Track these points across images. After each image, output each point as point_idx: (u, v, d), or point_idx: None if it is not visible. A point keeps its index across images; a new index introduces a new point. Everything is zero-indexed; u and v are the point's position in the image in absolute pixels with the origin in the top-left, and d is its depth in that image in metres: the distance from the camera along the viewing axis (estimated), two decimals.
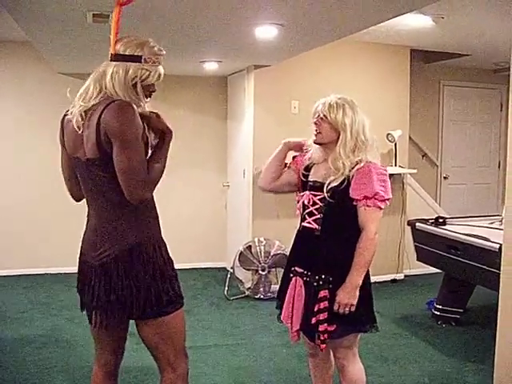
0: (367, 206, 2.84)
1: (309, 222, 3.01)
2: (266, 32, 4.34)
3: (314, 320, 2.88)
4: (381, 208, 2.86)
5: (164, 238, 2.54)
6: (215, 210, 7.52)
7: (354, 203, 2.87)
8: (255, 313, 5.76)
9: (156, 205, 2.55)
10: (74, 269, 2.63)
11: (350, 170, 2.88)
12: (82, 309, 2.64)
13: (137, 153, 2.28)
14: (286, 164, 3.45)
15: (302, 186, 3.16)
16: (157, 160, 2.47)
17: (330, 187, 2.91)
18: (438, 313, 5.30)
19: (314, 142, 3.06)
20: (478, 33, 5.76)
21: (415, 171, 6.92)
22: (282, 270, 5.98)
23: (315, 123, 3.02)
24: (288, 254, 3.31)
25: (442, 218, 5.26)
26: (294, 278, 3.04)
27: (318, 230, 2.96)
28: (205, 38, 4.75)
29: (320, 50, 5.58)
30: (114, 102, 2.29)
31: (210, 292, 6.47)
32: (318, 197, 2.96)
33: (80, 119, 2.34)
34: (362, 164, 2.89)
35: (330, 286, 2.88)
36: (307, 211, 3.02)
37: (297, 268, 3.04)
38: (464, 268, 4.58)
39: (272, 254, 6.19)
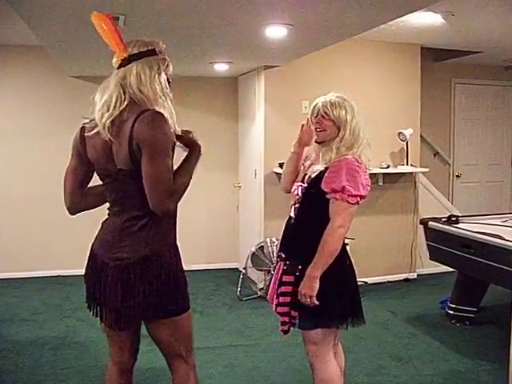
0: (335, 198, 2.84)
1: (291, 211, 3.10)
2: (275, 32, 4.34)
3: (275, 301, 3.07)
4: (350, 203, 2.84)
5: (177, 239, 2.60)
6: (227, 210, 7.52)
7: (326, 195, 2.89)
8: (268, 313, 5.74)
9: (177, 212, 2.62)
10: None
11: (330, 164, 2.92)
12: (90, 301, 2.63)
13: (166, 163, 2.31)
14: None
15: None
16: (182, 175, 2.48)
17: (309, 178, 3.01)
18: (452, 312, 5.27)
19: (317, 141, 3.08)
20: (489, 30, 5.73)
21: (427, 170, 6.89)
22: None
23: (317, 122, 3.03)
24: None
25: (454, 216, 5.24)
26: (279, 263, 3.17)
27: (293, 219, 3.06)
28: (215, 39, 4.76)
29: (330, 50, 5.57)
30: (146, 111, 2.31)
31: (222, 293, 6.47)
32: (302, 187, 3.05)
33: (109, 129, 2.33)
34: (340, 158, 2.91)
35: (297, 273, 2.95)
36: (294, 201, 3.11)
37: (281, 253, 3.16)
38: (477, 267, 4.55)
39: None
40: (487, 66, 8.23)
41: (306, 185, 3.01)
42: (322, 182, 2.89)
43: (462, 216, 5.48)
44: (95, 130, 2.39)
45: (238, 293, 6.29)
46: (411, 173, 6.78)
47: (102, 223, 2.63)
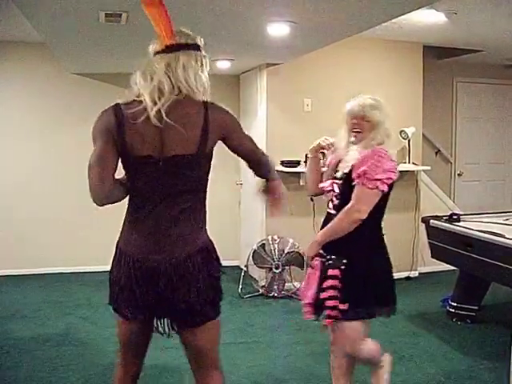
0: (357, 183, 2.97)
1: (329, 208, 3.21)
2: (278, 29, 4.35)
3: (322, 296, 3.09)
4: (369, 187, 2.94)
5: None
6: (228, 208, 7.52)
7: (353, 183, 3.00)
8: (269, 311, 5.76)
9: None
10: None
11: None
12: (139, 311, 2.43)
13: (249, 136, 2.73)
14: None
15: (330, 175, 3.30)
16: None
17: (341, 174, 3.12)
18: (453, 310, 5.27)
19: (354, 142, 3.13)
20: (491, 28, 5.72)
21: (429, 168, 6.89)
22: (297, 268, 6.03)
23: (355, 123, 3.10)
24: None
25: (456, 214, 5.23)
26: (315, 259, 3.24)
27: (334, 215, 3.12)
28: (217, 36, 4.76)
29: (332, 48, 5.57)
30: (211, 104, 2.49)
31: (223, 290, 6.45)
32: (336, 184, 3.15)
33: (164, 115, 2.26)
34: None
35: (342, 267, 3.04)
36: (329, 198, 3.22)
37: (320, 250, 3.21)
38: (479, 265, 4.55)
39: (286, 251, 6.18)
40: (489, 64, 8.22)
41: (340, 181, 3.11)
42: (353, 172, 3.01)
43: (463, 214, 5.48)
44: (141, 113, 2.27)
45: (240, 290, 6.29)
46: (413, 171, 6.78)
47: (130, 219, 2.45)
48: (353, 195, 2.98)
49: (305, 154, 6.12)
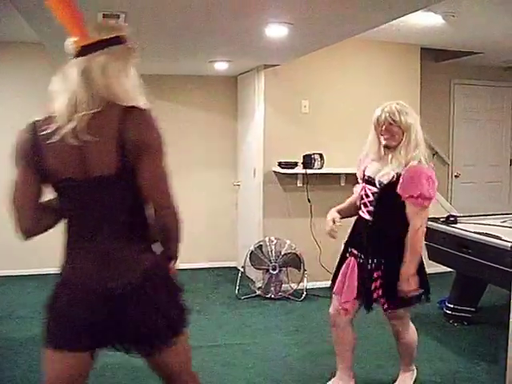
0: (413, 204, 3.20)
1: (363, 212, 3.46)
2: (275, 31, 4.35)
3: (375, 295, 3.39)
4: (425, 206, 3.22)
5: None
6: (226, 209, 7.52)
7: (402, 199, 3.20)
8: (266, 312, 5.76)
9: None
10: None
11: (402, 168, 3.22)
12: (79, 341, 2.20)
13: (165, 164, 2.12)
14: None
15: (362, 179, 3.56)
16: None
17: (380, 182, 3.32)
18: (450, 312, 5.28)
19: (386, 146, 3.34)
20: (489, 31, 5.74)
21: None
22: (294, 270, 6.05)
23: (386, 129, 3.30)
24: (347, 237, 3.66)
25: (453, 216, 5.24)
26: (349, 258, 3.53)
27: (370, 221, 3.40)
28: (215, 38, 4.76)
29: (330, 50, 5.59)
30: (132, 109, 2.05)
31: (220, 291, 6.47)
32: (372, 191, 3.39)
33: (80, 133, 1.99)
34: (412, 163, 3.24)
35: (383, 267, 3.35)
36: (362, 202, 3.47)
37: (353, 250, 3.53)
38: (476, 267, 4.55)
39: (283, 253, 6.18)
40: (487, 66, 8.24)
41: (378, 190, 3.33)
42: (399, 188, 3.22)
43: (460, 216, 5.48)
44: (55, 133, 2.02)
45: (237, 291, 6.29)
46: None
47: (71, 248, 2.20)
48: (411, 215, 3.23)
49: (302, 155, 6.16)
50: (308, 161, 6.12)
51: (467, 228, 4.84)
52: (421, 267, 3.40)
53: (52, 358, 2.29)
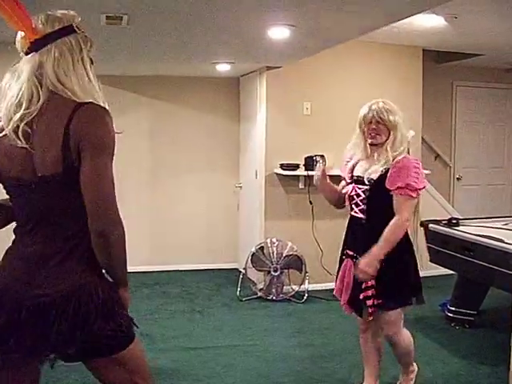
0: (400, 194, 3.21)
1: (355, 212, 3.44)
2: (278, 33, 4.35)
3: (361, 296, 3.31)
4: (412, 197, 3.22)
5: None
6: (227, 210, 7.52)
7: (390, 193, 3.22)
8: (267, 314, 5.76)
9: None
10: None
11: (390, 164, 3.25)
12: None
13: (110, 167, 1.95)
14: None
15: (350, 179, 3.53)
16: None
17: (369, 180, 3.33)
18: (452, 315, 5.27)
19: (372, 144, 3.37)
20: (491, 33, 5.72)
21: (428, 172, 6.85)
22: (295, 271, 6.05)
23: (373, 128, 3.31)
24: (343, 238, 3.64)
25: (455, 219, 5.23)
26: (346, 260, 3.51)
27: (363, 219, 3.38)
28: (217, 40, 4.76)
29: (332, 51, 5.58)
30: (84, 104, 1.92)
31: (222, 293, 6.47)
32: (362, 189, 3.38)
33: (24, 132, 1.91)
34: (399, 158, 3.27)
35: (378, 267, 3.22)
36: (354, 202, 3.44)
37: (348, 251, 3.51)
38: (477, 269, 4.55)
39: (284, 254, 6.17)
40: (489, 68, 8.22)
41: (368, 186, 3.34)
42: (387, 181, 3.25)
43: (462, 219, 5.48)
44: (1, 133, 1.95)
45: (238, 293, 6.29)
46: None
47: (9, 249, 2.09)
48: (398, 206, 3.24)
49: (304, 157, 6.16)
50: (310, 163, 6.11)
51: (469, 230, 4.83)
52: (412, 267, 3.43)
53: None
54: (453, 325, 5.24)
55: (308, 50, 5.34)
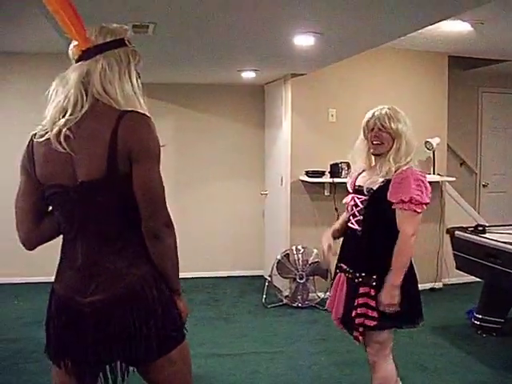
0: (404, 209, 2.94)
1: (352, 223, 3.17)
2: (303, 40, 4.36)
3: (353, 313, 3.01)
4: (417, 211, 2.94)
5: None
6: (253, 217, 7.54)
7: (392, 206, 2.97)
8: (293, 321, 5.76)
9: None
10: None
11: (392, 175, 3.01)
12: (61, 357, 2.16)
13: (161, 175, 2.01)
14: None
15: (353, 189, 3.29)
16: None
17: (369, 190, 3.08)
18: (478, 322, 5.23)
19: (374, 154, 3.16)
20: None
21: (454, 179, 6.85)
22: (320, 279, 6.01)
23: (375, 135, 3.11)
24: (338, 252, 3.37)
25: (481, 226, 5.20)
26: (339, 274, 3.22)
27: (359, 231, 3.11)
28: (243, 48, 4.80)
29: (356, 58, 5.58)
30: (129, 112, 1.97)
31: (247, 300, 6.49)
32: (360, 199, 3.13)
33: (66, 137, 1.94)
34: (402, 169, 3.01)
35: (374, 283, 2.99)
36: (351, 213, 3.19)
37: (342, 265, 3.22)
38: (504, 277, 4.51)
39: (310, 262, 6.18)
40: None
41: (367, 197, 3.09)
42: (389, 194, 2.98)
43: (488, 226, 5.44)
44: (44, 138, 2.00)
45: (263, 300, 6.30)
46: (438, 182, 6.74)
47: (60, 258, 2.15)
48: (401, 222, 2.97)
49: (329, 164, 6.16)
50: (335, 170, 6.11)
51: (496, 238, 4.80)
52: (413, 284, 3.11)
53: (55, 370, 2.23)
54: (479, 332, 5.19)
55: (333, 57, 5.36)
